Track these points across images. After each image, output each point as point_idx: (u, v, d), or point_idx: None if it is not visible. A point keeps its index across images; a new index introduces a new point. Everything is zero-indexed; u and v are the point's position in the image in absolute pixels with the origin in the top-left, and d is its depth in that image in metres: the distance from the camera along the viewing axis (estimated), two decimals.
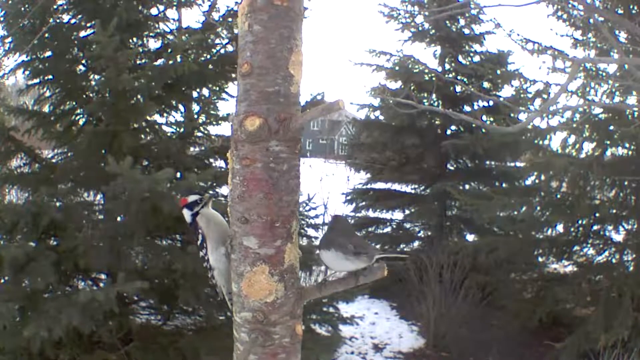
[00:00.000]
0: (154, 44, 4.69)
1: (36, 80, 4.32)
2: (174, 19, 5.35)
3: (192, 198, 1.66)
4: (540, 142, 6.13)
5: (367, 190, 8.40)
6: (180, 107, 4.74)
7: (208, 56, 4.55)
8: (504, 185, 7.60)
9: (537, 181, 6.24)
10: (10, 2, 4.07)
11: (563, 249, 5.96)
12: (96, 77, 4.22)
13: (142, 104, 3.96)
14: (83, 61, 4.31)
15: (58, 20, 4.27)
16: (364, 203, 8.26)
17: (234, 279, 1.47)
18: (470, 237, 7.90)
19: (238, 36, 1.43)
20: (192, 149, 4.83)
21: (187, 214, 1.66)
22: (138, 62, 4.41)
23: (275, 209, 1.40)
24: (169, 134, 4.58)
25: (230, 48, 4.61)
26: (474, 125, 6.97)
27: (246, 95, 1.40)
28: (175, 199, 3.44)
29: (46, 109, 4.49)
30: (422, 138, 7.81)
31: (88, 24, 4.24)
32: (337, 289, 1.69)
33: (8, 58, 4.37)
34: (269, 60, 1.37)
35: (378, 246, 8.13)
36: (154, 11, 4.55)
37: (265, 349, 1.44)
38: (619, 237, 6.03)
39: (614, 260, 5.77)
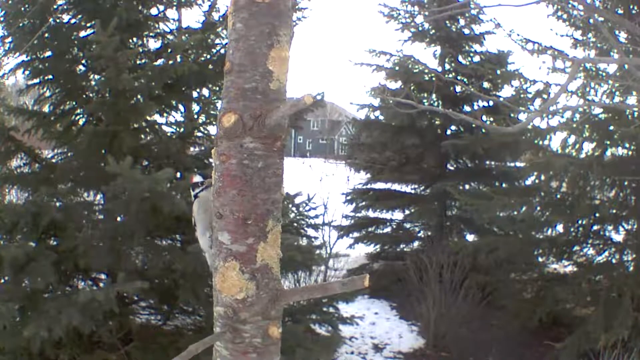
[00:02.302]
0: (154, 44, 4.70)
1: (36, 80, 4.32)
2: (174, 19, 5.36)
3: (195, 179, 1.69)
4: (540, 142, 6.13)
5: (367, 190, 8.41)
6: (180, 107, 4.74)
7: (208, 56, 4.55)
8: (504, 185, 7.60)
9: (537, 181, 6.24)
10: (10, 2, 4.07)
11: (563, 249, 5.96)
12: (96, 77, 4.22)
13: (142, 104, 3.97)
14: (83, 61, 4.31)
15: (58, 20, 4.27)
16: (364, 203, 8.27)
17: (213, 272, 1.48)
18: (470, 237, 7.90)
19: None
20: (192, 149, 4.83)
21: (191, 193, 1.70)
22: (138, 62, 4.41)
23: (247, 206, 1.39)
24: (169, 134, 4.58)
25: None
26: (474, 125, 6.97)
27: (226, 92, 1.41)
28: (175, 198, 3.44)
29: (46, 109, 4.49)
30: (422, 138, 7.82)
31: (88, 24, 4.24)
32: (314, 294, 1.68)
33: (8, 58, 4.37)
34: (248, 57, 1.38)
35: (378, 246, 8.13)
36: (154, 11, 4.56)
37: (235, 346, 1.44)
38: (619, 237, 6.03)
39: (614, 260, 5.77)
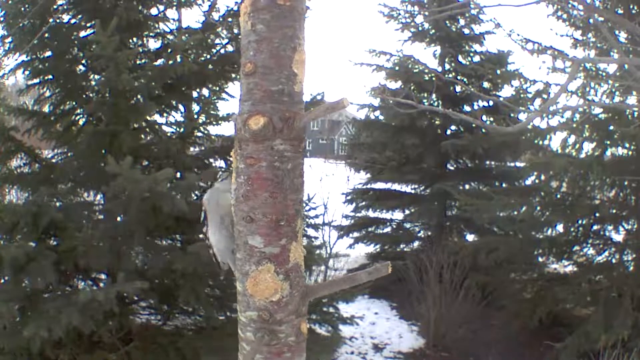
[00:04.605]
0: (154, 44, 4.70)
1: (36, 80, 4.32)
2: (174, 19, 5.35)
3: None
4: (540, 142, 6.13)
5: (367, 190, 8.40)
6: (180, 107, 4.74)
7: (208, 56, 4.55)
8: (504, 185, 7.60)
9: (537, 181, 6.24)
10: (10, 2, 4.07)
11: (563, 249, 5.96)
12: (96, 77, 4.22)
13: (142, 104, 3.96)
14: (83, 61, 4.31)
15: (58, 20, 4.27)
16: (364, 203, 8.27)
17: (238, 277, 1.47)
18: (470, 237, 7.90)
19: (240, 35, 1.44)
20: (192, 149, 4.83)
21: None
22: (138, 62, 4.41)
23: (280, 208, 1.40)
24: (169, 134, 4.58)
25: (230, 48, 4.61)
26: (474, 125, 6.97)
27: (250, 94, 1.40)
28: (175, 198, 3.44)
29: (46, 109, 4.49)
30: (422, 138, 7.82)
31: (88, 24, 4.24)
32: (341, 286, 1.68)
33: (8, 58, 4.37)
34: (273, 60, 1.38)
35: (378, 246, 8.14)
36: (154, 11, 4.56)
37: (271, 348, 1.44)
38: (619, 237, 6.03)
39: (614, 260, 5.77)
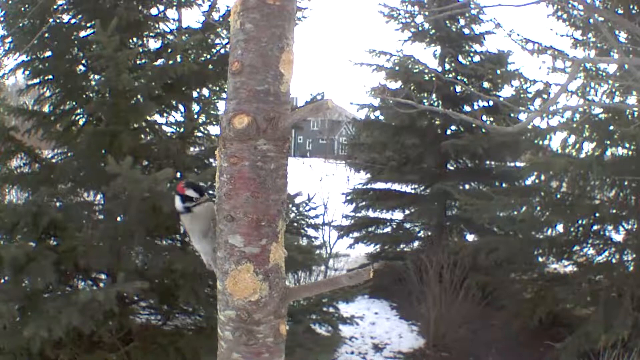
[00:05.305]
0: (154, 44, 4.70)
1: (36, 80, 4.32)
2: (174, 19, 5.35)
3: (189, 193, 1.64)
4: (540, 142, 6.14)
5: (367, 190, 8.41)
6: (180, 107, 4.74)
7: (208, 56, 4.55)
8: (504, 185, 7.60)
9: (537, 181, 6.24)
10: (10, 2, 4.07)
11: (563, 249, 5.96)
12: (96, 77, 4.22)
13: (142, 104, 3.96)
14: (83, 61, 4.31)
15: (58, 20, 4.27)
16: (364, 203, 8.27)
17: (219, 276, 1.47)
18: (470, 237, 7.90)
19: (230, 34, 1.44)
20: (192, 149, 4.83)
21: (178, 203, 1.65)
22: (138, 62, 4.41)
23: (261, 208, 1.40)
24: (169, 134, 4.58)
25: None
26: (474, 125, 6.97)
27: (236, 93, 1.40)
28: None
29: (46, 109, 4.49)
30: (422, 138, 7.82)
31: (88, 24, 4.24)
32: (322, 289, 1.67)
33: (8, 58, 4.37)
34: (260, 59, 1.38)
35: (378, 246, 8.14)
36: (154, 11, 4.56)
37: (249, 348, 1.44)
38: (619, 237, 6.03)
39: (614, 260, 5.77)
